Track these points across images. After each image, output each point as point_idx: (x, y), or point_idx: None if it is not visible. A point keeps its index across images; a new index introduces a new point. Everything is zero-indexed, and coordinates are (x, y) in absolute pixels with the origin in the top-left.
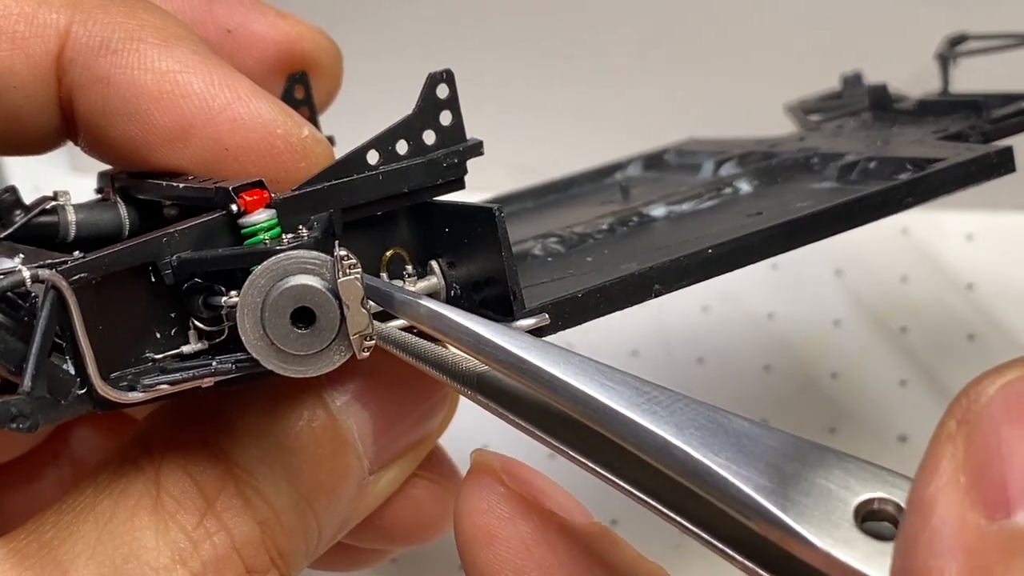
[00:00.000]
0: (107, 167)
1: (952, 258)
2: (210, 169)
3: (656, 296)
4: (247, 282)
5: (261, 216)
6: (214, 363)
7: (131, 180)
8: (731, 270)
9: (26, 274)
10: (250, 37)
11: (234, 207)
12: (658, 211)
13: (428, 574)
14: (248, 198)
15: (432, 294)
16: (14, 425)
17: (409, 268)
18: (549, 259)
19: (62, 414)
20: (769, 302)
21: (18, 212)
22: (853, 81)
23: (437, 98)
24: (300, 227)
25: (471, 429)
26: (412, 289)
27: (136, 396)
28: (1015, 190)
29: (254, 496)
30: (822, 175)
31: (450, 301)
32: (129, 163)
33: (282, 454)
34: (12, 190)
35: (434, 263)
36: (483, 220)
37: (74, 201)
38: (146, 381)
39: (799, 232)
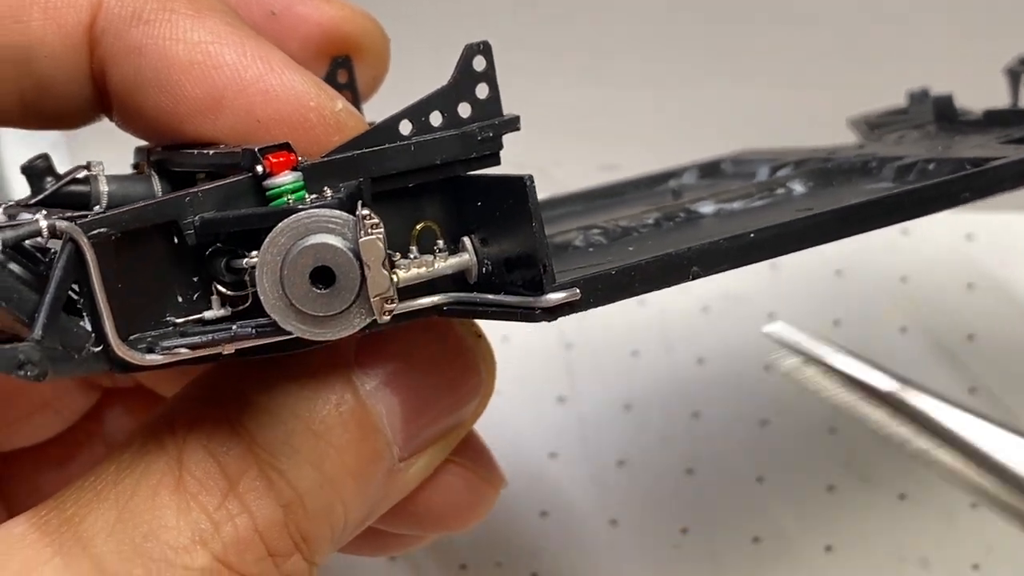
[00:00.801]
0: (141, 143)
1: (952, 258)
2: (242, 141)
3: (694, 278)
4: (267, 240)
5: (286, 178)
6: (235, 327)
7: (165, 153)
8: (773, 256)
9: (43, 224)
10: (294, 19)
11: (259, 168)
12: (707, 208)
13: (427, 573)
14: (274, 160)
15: (464, 271)
16: (22, 372)
17: (440, 243)
18: (590, 249)
19: (75, 369)
20: (769, 302)
21: (50, 179)
22: (920, 97)
23: (473, 70)
24: (325, 188)
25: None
26: (443, 264)
27: (154, 358)
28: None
29: (277, 478)
30: (879, 177)
31: (481, 278)
32: (162, 136)
33: (308, 437)
34: (45, 157)
35: (466, 239)
36: (514, 191)
37: (108, 172)
38: (165, 344)
39: (847, 222)
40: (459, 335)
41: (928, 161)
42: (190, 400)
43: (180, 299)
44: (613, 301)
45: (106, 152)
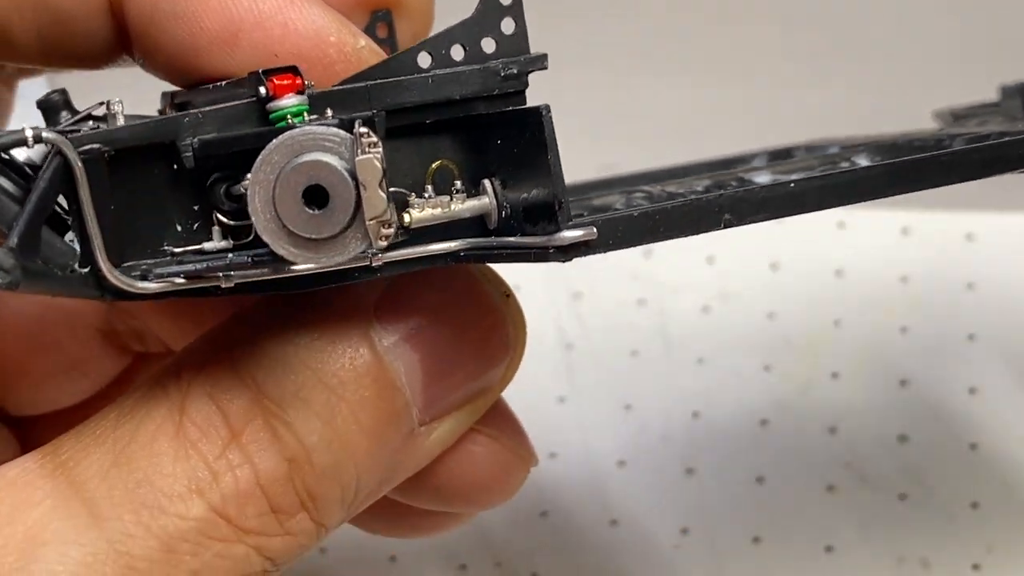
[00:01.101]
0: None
1: (952, 258)
2: None
3: (726, 227)
4: (259, 158)
5: (290, 101)
6: (231, 255)
7: (187, 94)
8: (814, 210)
9: (28, 133)
10: None
11: (262, 90)
12: (762, 178)
13: (427, 573)
14: (278, 82)
15: (483, 215)
16: None
17: (458, 184)
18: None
19: (56, 286)
20: (769, 302)
21: (65, 113)
22: (1012, 92)
23: (499, 3)
24: (328, 110)
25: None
26: (460, 207)
27: (146, 285)
28: (1015, 190)
29: (284, 431)
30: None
31: (500, 223)
32: (182, 73)
33: (319, 390)
34: (62, 91)
35: (487, 182)
36: (530, 123)
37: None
38: (159, 271)
39: (898, 177)
40: (486, 292)
41: (1003, 134)
42: (199, 348)
43: (179, 228)
44: (634, 245)
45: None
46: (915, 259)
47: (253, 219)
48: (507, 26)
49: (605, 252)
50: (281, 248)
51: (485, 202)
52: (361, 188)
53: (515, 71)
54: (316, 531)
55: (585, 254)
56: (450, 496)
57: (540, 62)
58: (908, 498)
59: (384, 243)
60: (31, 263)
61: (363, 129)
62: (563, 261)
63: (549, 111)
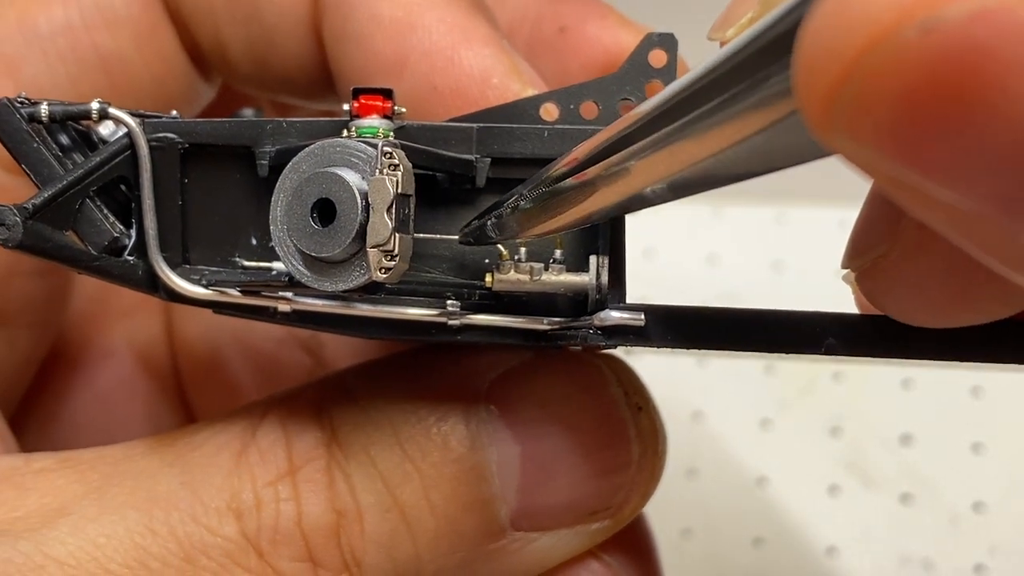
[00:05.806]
0: None
1: None
2: (418, 107)
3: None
4: (289, 165)
5: (371, 122)
6: (275, 271)
7: None
8: None
9: (95, 106)
10: (579, 38)
11: (345, 106)
12: None
13: None
14: (365, 101)
15: (575, 292)
16: None
17: (557, 253)
18: None
19: (81, 264)
20: (770, 302)
21: None
22: None
23: (648, 64)
24: (390, 134)
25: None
26: (554, 279)
27: (196, 290)
28: None
29: (340, 481)
30: None
31: (591, 303)
32: None
33: (392, 452)
34: (260, 110)
35: (593, 259)
36: None
37: None
38: (217, 279)
39: None
40: (610, 398)
41: None
42: (301, 385)
43: (254, 242)
44: (689, 348)
45: None
46: None
47: (271, 228)
48: (653, 92)
49: (658, 347)
50: (291, 264)
51: (583, 280)
52: (371, 211)
53: None
54: None
55: (635, 343)
56: None
57: None
58: (910, 499)
59: (383, 275)
60: (46, 229)
61: (387, 149)
62: (604, 344)
63: None
